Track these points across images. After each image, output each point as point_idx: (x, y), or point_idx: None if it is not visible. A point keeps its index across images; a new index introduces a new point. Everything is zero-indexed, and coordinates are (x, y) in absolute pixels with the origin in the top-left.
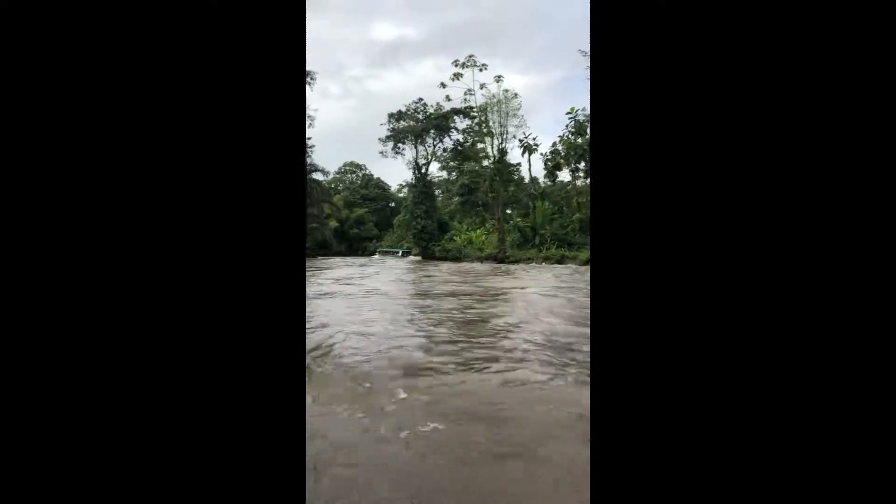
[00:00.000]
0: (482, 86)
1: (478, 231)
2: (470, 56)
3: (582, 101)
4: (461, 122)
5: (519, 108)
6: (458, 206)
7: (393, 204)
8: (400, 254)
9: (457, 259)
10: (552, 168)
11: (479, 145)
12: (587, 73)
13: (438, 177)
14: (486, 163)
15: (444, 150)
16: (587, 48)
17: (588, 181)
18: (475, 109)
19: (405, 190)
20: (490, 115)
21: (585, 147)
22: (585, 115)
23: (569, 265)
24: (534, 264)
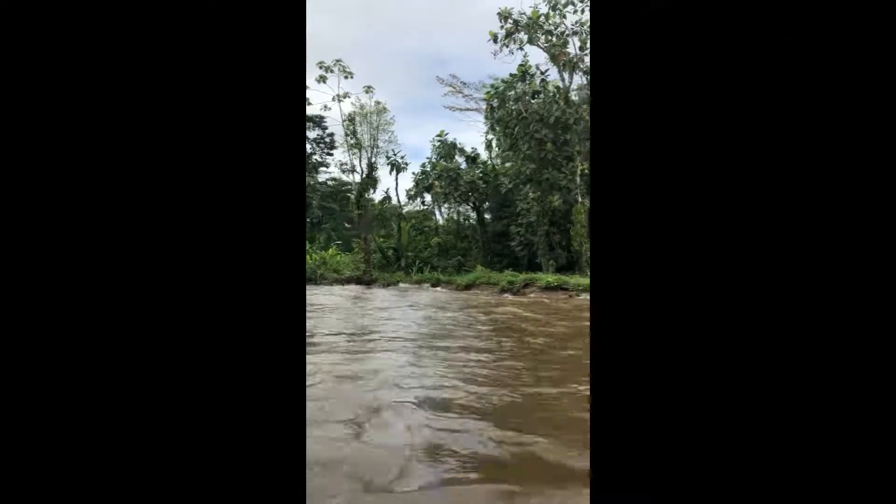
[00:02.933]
0: (346, 94)
1: (331, 250)
2: (337, 60)
3: (408, 127)
4: (311, 132)
5: (391, 125)
6: None
7: None
8: None
9: (311, 281)
10: (424, 188)
11: (328, 157)
12: (445, 100)
13: None
14: (324, 175)
15: None
16: (421, 80)
17: (447, 206)
18: (344, 119)
19: None
20: (358, 127)
21: (458, 171)
22: (444, 141)
23: (446, 290)
24: (412, 289)
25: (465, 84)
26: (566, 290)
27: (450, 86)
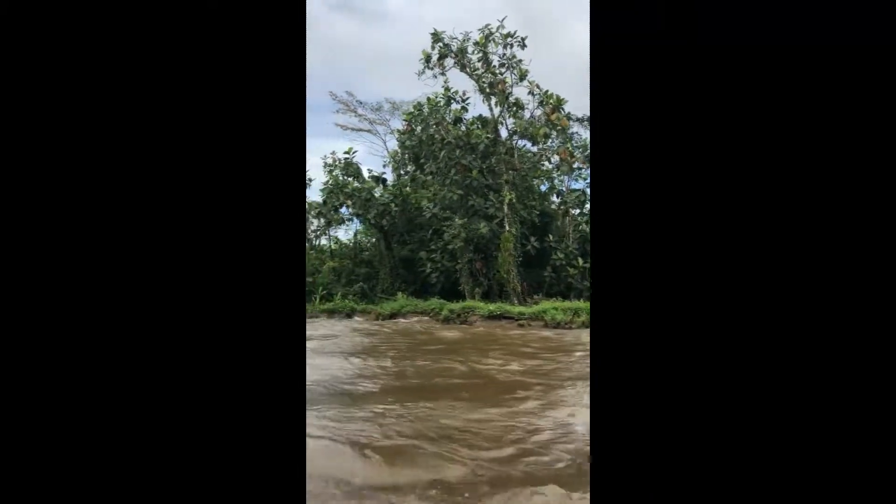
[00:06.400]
0: None
1: None
2: None
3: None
4: None
5: None
6: None
7: None
8: None
9: None
10: (332, 208)
11: None
12: (335, 118)
13: None
14: None
15: None
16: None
17: (343, 228)
18: None
19: None
20: None
21: (372, 192)
22: (349, 160)
23: (367, 320)
24: (321, 321)
25: (360, 103)
26: (511, 318)
27: (344, 103)
